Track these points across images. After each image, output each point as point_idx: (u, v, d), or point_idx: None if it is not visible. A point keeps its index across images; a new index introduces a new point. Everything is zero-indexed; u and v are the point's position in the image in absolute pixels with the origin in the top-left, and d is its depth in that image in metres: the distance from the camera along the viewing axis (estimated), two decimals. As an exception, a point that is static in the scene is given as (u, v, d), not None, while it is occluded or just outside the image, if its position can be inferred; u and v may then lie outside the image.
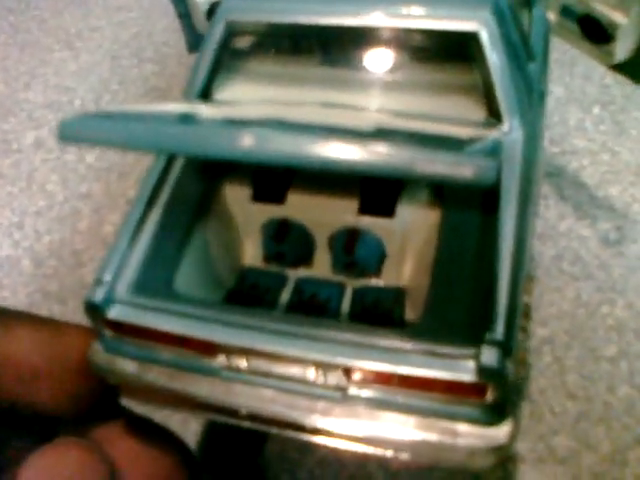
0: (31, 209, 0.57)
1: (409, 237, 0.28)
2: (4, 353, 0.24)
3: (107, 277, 0.25)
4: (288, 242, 0.29)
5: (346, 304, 0.28)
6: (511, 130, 0.26)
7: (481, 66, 0.26)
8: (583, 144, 0.54)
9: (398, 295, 0.28)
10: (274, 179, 0.30)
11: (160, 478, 0.26)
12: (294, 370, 0.23)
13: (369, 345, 0.22)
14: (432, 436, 0.22)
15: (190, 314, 0.24)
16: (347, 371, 0.22)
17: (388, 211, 0.28)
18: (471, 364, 0.21)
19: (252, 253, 0.30)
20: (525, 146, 0.26)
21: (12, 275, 0.52)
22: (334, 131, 0.21)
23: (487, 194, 0.24)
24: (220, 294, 0.28)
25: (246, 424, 0.24)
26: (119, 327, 0.24)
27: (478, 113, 0.27)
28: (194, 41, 0.44)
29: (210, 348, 0.23)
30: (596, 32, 0.38)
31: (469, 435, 0.22)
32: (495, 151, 0.20)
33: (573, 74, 0.60)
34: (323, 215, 0.29)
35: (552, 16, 0.40)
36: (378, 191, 0.28)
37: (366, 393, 0.22)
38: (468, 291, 0.23)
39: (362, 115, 0.27)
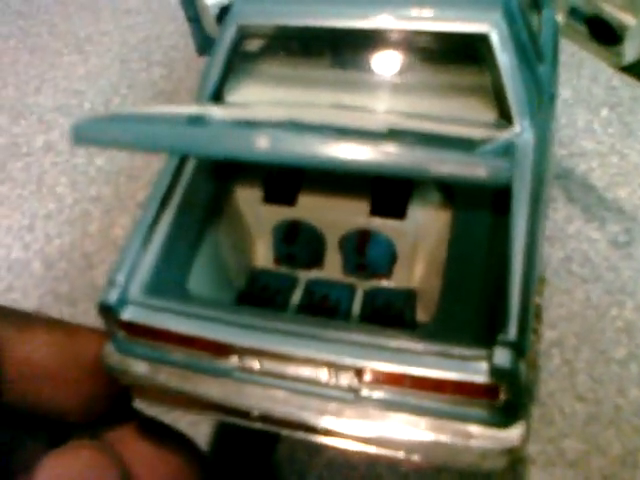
0: (41, 212, 0.57)
1: (420, 238, 0.28)
2: (20, 356, 0.24)
3: (120, 278, 0.25)
4: (299, 244, 0.29)
5: (357, 306, 0.28)
6: (522, 132, 0.26)
7: (491, 68, 0.26)
8: (591, 146, 0.54)
9: (409, 297, 0.28)
10: (285, 181, 0.30)
11: (172, 479, 0.26)
12: (306, 371, 0.23)
13: (381, 346, 0.22)
14: (444, 437, 0.22)
15: (202, 315, 0.24)
16: (359, 372, 0.22)
17: (399, 213, 0.28)
18: (483, 365, 0.21)
19: (263, 255, 0.31)
20: (536, 148, 0.26)
21: (23, 277, 0.52)
22: (347, 132, 0.21)
23: (497, 195, 0.24)
24: (231, 295, 0.29)
25: (257, 425, 0.24)
26: (132, 328, 0.25)
27: (489, 115, 0.27)
28: (204, 44, 0.44)
29: (222, 349, 0.24)
30: (605, 33, 0.38)
31: (481, 437, 0.22)
32: (508, 151, 0.20)
33: (580, 76, 0.60)
34: (334, 217, 0.29)
35: (560, 17, 0.40)
36: (389, 193, 0.28)
37: (378, 394, 0.22)
38: (479, 292, 0.23)
39: (374, 116, 0.27)
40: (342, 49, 0.30)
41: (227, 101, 0.30)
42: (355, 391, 0.22)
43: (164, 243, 0.26)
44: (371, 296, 0.28)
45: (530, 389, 0.38)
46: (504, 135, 0.25)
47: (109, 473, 0.23)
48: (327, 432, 0.23)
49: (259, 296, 0.29)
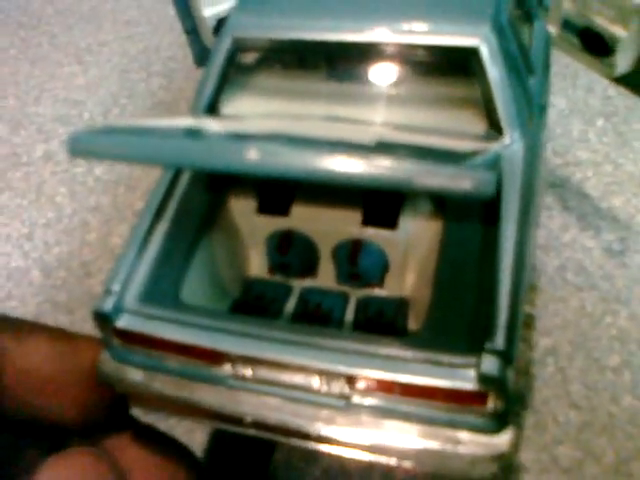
0: (40, 221, 0.57)
1: (411, 248, 0.28)
2: (19, 365, 0.24)
3: (116, 287, 0.25)
4: (292, 253, 0.30)
5: (350, 314, 0.29)
6: (512, 142, 0.26)
7: (482, 80, 0.27)
8: (586, 156, 0.54)
9: (401, 305, 0.28)
10: (279, 192, 0.30)
11: None
12: (298, 378, 0.23)
13: (371, 354, 0.22)
14: (434, 444, 0.22)
15: (197, 323, 0.24)
16: (350, 379, 0.23)
17: (391, 223, 0.28)
18: (472, 372, 0.21)
19: (257, 264, 0.31)
20: (525, 158, 0.26)
21: (22, 285, 0.52)
22: (337, 145, 0.21)
23: (488, 206, 0.25)
24: (226, 304, 0.29)
25: (251, 432, 0.24)
26: (127, 336, 0.25)
27: (479, 126, 0.27)
28: (202, 56, 0.45)
29: (216, 357, 0.24)
30: (597, 45, 0.38)
31: (471, 443, 0.22)
32: (494, 164, 0.20)
33: (576, 86, 0.60)
34: (327, 227, 0.29)
35: (554, 29, 0.40)
36: (381, 203, 0.29)
37: (369, 401, 0.23)
38: (469, 301, 0.23)
39: (365, 129, 0.28)
40: (336, 62, 0.31)
41: (222, 113, 0.31)
42: (346, 398, 0.23)
43: (159, 252, 0.27)
44: (364, 304, 0.29)
45: (519, 396, 0.38)
46: (492, 147, 0.25)
47: (106, 479, 0.23)
48: (320, 439, 0.23)
49: (254, 305, 0.29)
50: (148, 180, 0.58)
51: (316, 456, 0.38)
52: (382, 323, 0.28)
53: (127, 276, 0.26)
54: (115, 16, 0.82)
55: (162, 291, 0.26)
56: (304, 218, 0.29)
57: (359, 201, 0.29)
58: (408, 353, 0.22)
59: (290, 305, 0.29)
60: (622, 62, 0.38)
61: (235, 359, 0.24)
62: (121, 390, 0.26)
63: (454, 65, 0.28)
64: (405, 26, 0.28)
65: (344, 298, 0.29)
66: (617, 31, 0.37)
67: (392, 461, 0.23)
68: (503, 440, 0.22)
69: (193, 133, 0.25)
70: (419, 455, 0.22)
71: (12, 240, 0.56)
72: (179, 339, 0.24)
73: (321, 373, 0.23)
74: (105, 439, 0.26)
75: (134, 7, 0.84)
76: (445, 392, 0.22)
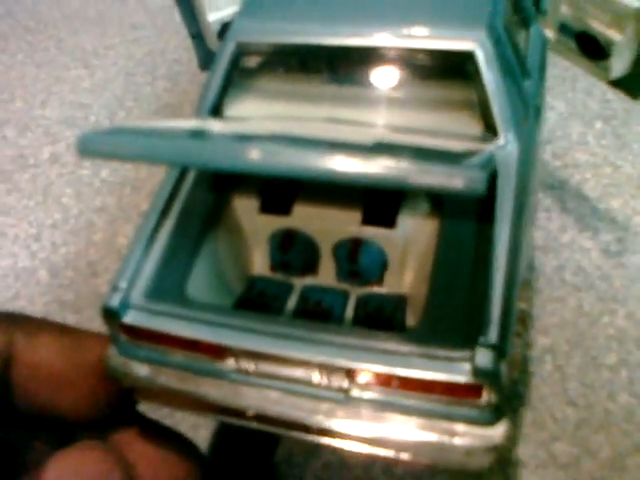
0: (47, 222, 0.58)
1: (410, 246, 0.29)
2: (29, 361, 0.25)
3: (123, 284, 0.26)
4: (294, 252, 0.30)
5: (350, 311, 0.29)
6: (506, 144, 0.27)
7: (477, 83, 0.28)
8: (585, 158, 0.55)
9: (399, 302, 0.29)
10: (281, 192, 0.31)
11: None
12: (299, 372, 0.24)
13: (370, 348, 0.23)
14: (432, 436, 0.23)
15: (201, 319, 0.25)
16: (349, 373, 0.23)
17: (389, 222, 0.29)
18: (466, 366, 0.22)
19: (260, 262, 0.32)
20: (520, 158, 0.27)
21: (29, 285, 0.53)
22: (336, 145, 0.22)
23: (484, 204, 0.26)
24: (230, 301, 0.30)
25: (253, 425, 0.25)
26: (134, 331, 0.26)
27: (475, 128, 0.28)
28: (206, 59, 0.46)
29: (220, 351, 0.25)
30: (593, 49, 0.39)
31: (466, 435, 0.23)
32: (487, 163, 0.21)
33: (575, 89, 0.61)
34: (327, 226, 0.30)
35: (551, 33, 0.41)
36: (380, 203, 0.29)
37: (368, 395, 0.23)
38: (465, 297, 0.24)
39: (364, 130, 0.28)
40: (337, 65, 0.32)
41: (226, 115, 0.31)
42: (346, 391, 0.23)
43: (165, 250, 0.27)
44: (363, 301, 0.29)
45: (514, 388, 0.39)
46: (487, 148, 0.26)
47: (114, 473, 0.24)
48: (320, 431, 0.24)
49: (256, 302, 0.30)
50: (153, 181, 0.59)
51: (317, 451, 0.39)
52: (381, 319, 0.28)
53: (134, 273, 0.26)
54: (121, 20, 0.84)
55: (168, 288, 0.27)
56: (305, 217, 0.30)
57: (359, 201, 0.30)
58: (406, 348, 0.23)
59: (291, 302, 0.30)
60: (617, 65, 0.39)
61: (238, 354, 0.24)
62: (128, 384, 0.26)
63: (451, 69, 0.29)
64: (404, 31, 0.29)
65: (344, 295, 0.30)
66: (612, 35, 0.38)
67: (390, 453, 0.23)
68: (498, 432, 0.23)
69: (198, 134, 0.26)
70: (417, 447, 0.23)
71: (20, 241, 0.57)
72: (184, 334, 0.25)
73: (321, 367, 0.23)
74: (112, 434, 0.27)
75: (140, 11, 0.85)
76: (441, 385, 0.22)
